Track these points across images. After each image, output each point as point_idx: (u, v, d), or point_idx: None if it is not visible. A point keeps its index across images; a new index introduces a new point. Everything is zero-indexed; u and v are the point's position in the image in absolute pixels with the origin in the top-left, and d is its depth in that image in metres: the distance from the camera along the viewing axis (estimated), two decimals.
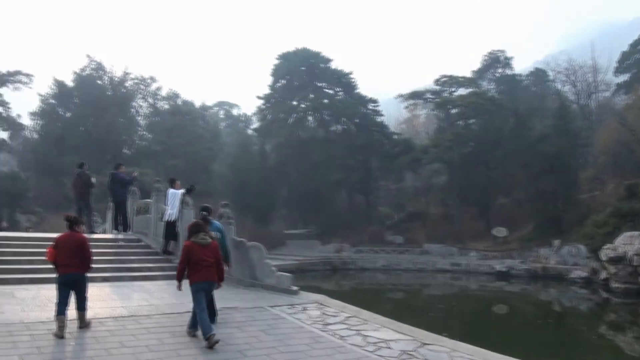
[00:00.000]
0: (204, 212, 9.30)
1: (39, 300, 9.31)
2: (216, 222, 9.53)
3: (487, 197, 42.40)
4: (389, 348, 7.56)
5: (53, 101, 53.16)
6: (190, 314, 7.99)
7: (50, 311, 7.95)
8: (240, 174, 48.55)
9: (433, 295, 28.75)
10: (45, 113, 52.89)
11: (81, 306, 7.95)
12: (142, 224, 16.41)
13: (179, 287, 8.09)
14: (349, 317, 9.29)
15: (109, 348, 6.89)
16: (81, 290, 7.96)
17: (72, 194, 16.90)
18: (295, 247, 41.51)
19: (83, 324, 7.92)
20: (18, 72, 57.30)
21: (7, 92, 56.85)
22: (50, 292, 9.23)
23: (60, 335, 7.39)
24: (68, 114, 52.93)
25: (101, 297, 9.69)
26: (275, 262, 12.68)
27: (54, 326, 7.31)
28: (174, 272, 12.23)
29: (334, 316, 9.31)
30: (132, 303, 9.44)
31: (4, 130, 57.79)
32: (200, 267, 7.74)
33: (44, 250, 11.42)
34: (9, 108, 56.72)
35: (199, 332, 7.91)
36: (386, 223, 48.69)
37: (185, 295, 9.95)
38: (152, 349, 7.03)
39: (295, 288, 11.20)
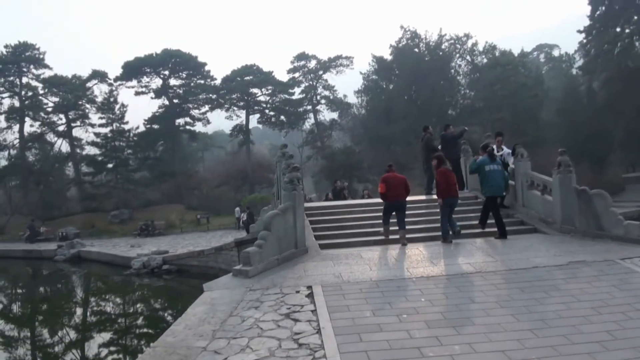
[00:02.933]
0: (488, 146, 12.88)
1: (385, 260, 10.01)
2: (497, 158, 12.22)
3: None
4: None
5: (374, 77, 57.82)
6: (535, 268, 8.73)
7: (396, 270, 9.13)
8: (569, 118, 45.48)
9: None
10: (368, 89, 58.13)
11: (402, 225, 11.19)
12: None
13: (441, 204, 11.26)
14: None
15: (458, 304, 7.04)
16: (403, 213, 11.28)
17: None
18: (636, 192, 36.37)
19: (403, 240, 10.95)
20: (338, 57, 64.51)
21: (331, 77, 64.56)
22: (394, 252, 10.53)
23: (386, 236, 11.48)
24: (390, 86, 56.76)
25: (445, 254, 10.21)
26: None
27: (403, 283, 8.21)
28: (515, 227, 12.20)
29: None
30: (477, 259, 9.53)
31: (333, 111, 65.78)
32: (449, 186, 11.14)
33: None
34: (335, 91, 64.34)
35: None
36: None
37: (530, 251, 9.87)
38: (503, 305, 6.92)
39: None
